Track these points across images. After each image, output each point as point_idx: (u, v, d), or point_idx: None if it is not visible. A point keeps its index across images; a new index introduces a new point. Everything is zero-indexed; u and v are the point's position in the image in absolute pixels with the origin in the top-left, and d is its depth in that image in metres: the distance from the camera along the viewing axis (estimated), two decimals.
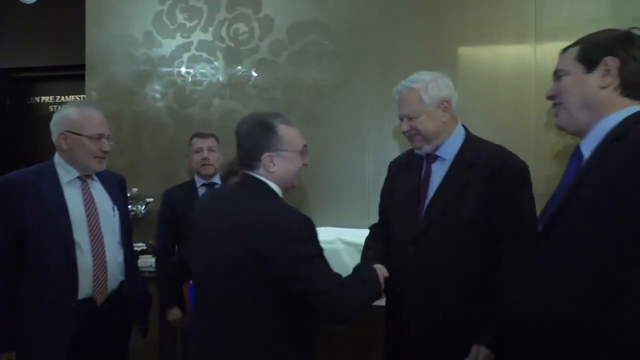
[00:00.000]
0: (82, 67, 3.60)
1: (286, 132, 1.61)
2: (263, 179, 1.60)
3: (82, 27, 3.60)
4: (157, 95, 3.50)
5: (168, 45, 3.47)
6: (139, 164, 3.49)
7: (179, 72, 3.45)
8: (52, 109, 4.39)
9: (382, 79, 3.08)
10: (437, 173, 1.87)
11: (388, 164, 3.09)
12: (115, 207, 2.12)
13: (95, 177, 2.11)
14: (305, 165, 1.68)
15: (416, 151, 1.93)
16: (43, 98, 4.41)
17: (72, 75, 3.92)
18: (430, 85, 1.85)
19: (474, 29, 3.05)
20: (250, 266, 1.46)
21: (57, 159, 2.03)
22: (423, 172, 1.92)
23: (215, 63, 3.39)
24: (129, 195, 3.28)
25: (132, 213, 3.24)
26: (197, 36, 3.42)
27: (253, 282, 1.47)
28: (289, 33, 3.26)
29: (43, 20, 4.13)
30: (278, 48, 3.28)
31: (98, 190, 2.10)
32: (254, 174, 1.60)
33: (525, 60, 2.98)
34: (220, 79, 3.39)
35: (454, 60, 3.08)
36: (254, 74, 3.32)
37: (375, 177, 3.12)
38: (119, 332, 2.11)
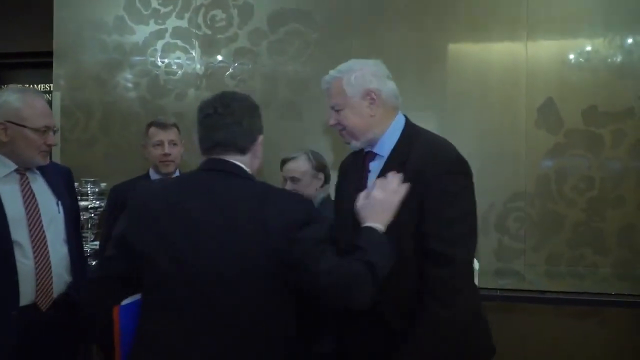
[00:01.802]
0: (52, 54, 3.40)
1: None
2: (239, 163, 1.39)
3: (51, 11, 3.39)
4: (129, 85, 3.31)
5: (141, 32, 3.27)
6: (109, 157, 3.30)
7: (153, 61, 3.26)
8: None
9: None
10: (374, 173, 1.67)
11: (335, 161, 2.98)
12: (60, 203, 1.92)
13: (36, 171, 1.91)
14: None
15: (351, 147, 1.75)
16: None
17: (42, 63, 3.71)
18: (354, 75, 1.64)
19: (464, 24, 2.92)
20: (266, 262, 1.28)
21: (15, 152, 1.82)
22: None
23: (191, 52, 3.21)
24: (97, 190, 3.12)
25: (100, 209, 3.06)
26: (172, 23, 3.23)
27: (271, 281, 1.30)
28: (270, 21, 3.09)
29: (9, 3, 3.91)
30: (258, 37, 3.11)
31: (39, 185, 1.89)
32: (230, 160, 1.38)
33: (516, 56, 2.86)
34: (197, 68, 3.21)
35: (443, 55, 2.95)
36: (230, 62, 3.15)
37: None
38: (66, 341, 1.91)
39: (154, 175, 2.39)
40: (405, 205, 1.51)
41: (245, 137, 1.40)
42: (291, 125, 3.06)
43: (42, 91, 4.03)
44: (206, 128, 1.41)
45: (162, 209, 1.35)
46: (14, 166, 1.81)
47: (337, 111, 1.66)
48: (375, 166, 1.66)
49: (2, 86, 4.21)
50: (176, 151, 2.39)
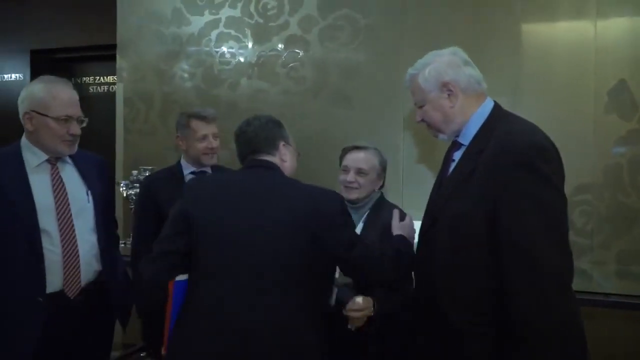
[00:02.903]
0: (115, 47, 3.54)
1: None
2: (277, 164, 1.68)
3: (115, 5, 3.52)
4: (186, 75, 3.37)
5: (197, 23, 3.32)
6: (167, 146, 3.39)
7: (207, 51, 3.31)
8: (92, 89, 4.39)
9: (419, 58, 2.79)
10: (457, 162, 1.63)
11: (423, 150, 2.88)
12: (90, 192, 1.96)
13: (69, 160, 1.96)
14: None
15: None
16: (84, 79, 4.41)
17: (108, 56, 3.86)
18: (428, 69, 1.60)
19: (528, 1, 2.70)
20: (313, 248, 1.52)
21: (24, 140, 1.89)
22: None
23: (244, 41, 3.22)
24: None
25: None
26: (225, 12, 3.25)
27: (314, 267, 1.55)
28: (320, 7, 3.03)
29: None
30: (308, 24, 3.06)
31: (70, 174, 1.94)
32: (268, 159, 1.67)
33: (584, 35, 2.62)
34: (249, 57, 3.21)
35: (505, 35, 2.75)
36: (282, 50, 3.12)
37: (410, 163, 2.88)
38: (98, 328, 1.97)
39: (186, 166, 2.37)
40: (473, 196, 1.46)
41: (266, 144, 1.68)
42: (341, 113, 3.00)
43: (109, 83, 4.21)
44: (239, 144, 1.74)
45: (215, 191, 1.64)
46: (45, 156, 1.87)
47: (420, 107, 1.65)
48: (458, 155, 1.61)
49: (79, 78, 4.46)
50: (218, 143, 2.39)
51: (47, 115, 1.83)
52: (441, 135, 1.66)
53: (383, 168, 2.15)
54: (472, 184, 1.47)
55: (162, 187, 2.28)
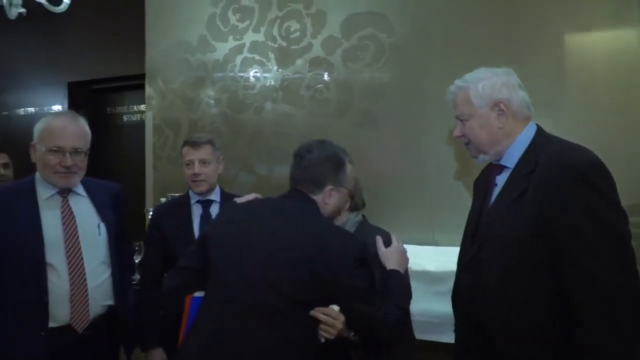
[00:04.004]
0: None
1: (349, 171, 1.68)
2: (314, 198, 1.62)
3: (144, 36, 3.58)
4: (212, 101, 3.37)
5: (221, 49, 3.33)
6: None
7: (232, 76, 3.30)
8: (125, 118, 4.47)
9: (448, 76, 2.65)
10: (500, 186, 1.56)
11: (453, 172, 2.74)
12: (102, 224, 1.94)
13: (81, 191, 1.95)
14: None
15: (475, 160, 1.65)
16: (117, 108, 4.50)
17: (141, 85, 3.92)
18: (482, 84, 1.55)
19: (561, 13, 2.55)
20: (314, 287, 1.47)
21: (38, 173, 1.90)
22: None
23: (268, 65, 3.19)
24: None
25: None
26: (249, 37, 3.24)
27: (312, 304, 1.49)
28: (343, 28, 2.98)
29: (115, 32, 4.20)
30: (332, 45, 3.01)
31: (81, 206, 1.93)
32: (305, 191, 1.63)
33: (628, 44, 2.44)
34: (273, 81, 3.18)
35: (536, 51, 2.59)
36: (306, 73, 3.08)
37: (438, 185, 2.74)
38: (104, 358, 1.93)
39: (192, 195, 2.30)
40: (526, 218, 1.38)
41: (312, 182, 1.61)
42: (367, 135, 2.91)
43: (141, 111, 4.27)
44: (293, 164, 1.68)
45: (239, 219, 1.61)
46: (54, 189, 1.87)
47: (462, 122, 1.58)
48: (501, 179, 1.55)
49: (107, 109, 4.55)
50: (208, 170, 2.24)
51: (42, 147, 1.83)
52: (482, 156, 1.59)
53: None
54: (524, 206, 1.40)
55: (168, 215, 2.25)
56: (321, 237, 1.50)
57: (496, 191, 1.55)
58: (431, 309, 2.12)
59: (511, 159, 1.52)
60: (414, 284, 1.98)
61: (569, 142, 1.48)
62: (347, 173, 1.66)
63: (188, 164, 2.22)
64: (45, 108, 4.56)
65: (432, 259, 2.27)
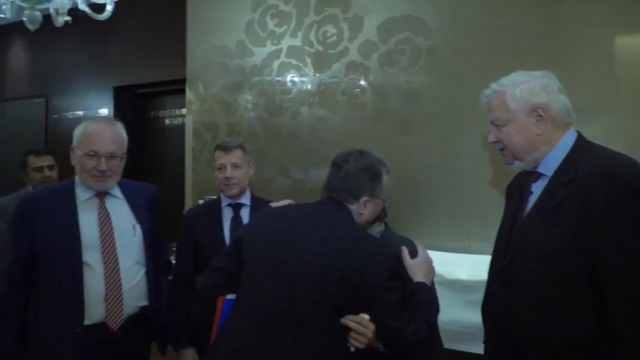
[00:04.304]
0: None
1: (386, 182, 1.68)
2: (350, 207, 1.64)
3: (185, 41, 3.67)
4: (249, 106, 3.41)
5: (259, 54, 3.36)
6: None
7: (269, 80, 3.33)
8: (167, 122, 4.58)
9: (485, 81, 2.59)
10: (537, 194, 1.50)
11: (490, 178, 2.67)
12: (138, 226, 1.99)
13: (118, 193, 2.00)
14: None
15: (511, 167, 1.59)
16: (160, 112, 4.61)
17: (182, 89, 4.01)
18: (519, 88, 1.49)
19: (608, 12, 2.44)
20: (346, 294, 1.47)
21: (77, 176, 1.96)
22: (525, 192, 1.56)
23: (304, 69, 3.20)
24: None
25: None
26: (286, 42, 3.26)
27: (343, 311, 1.48)
28: (380, 31, 2.95)
29: (159, 38, 4.31)
30: (368, 49, 2.99)
31: (117, 208, 1.98)
32: (341, 200, 1.64)
33: None
34: (309, 86, 3.19)
35: (580, 54, 2.47)
36: (342, 77, 3.07)
37: (477, 193, 2.67)
38: (137, 357, 1.98)
39: (224, 198, 2.33)
40: (567, 229, 1.33)
41: (348, 193, 1.62)
42: (403, 140, 2.87)
43: (182, 115, 4.36)
44: (330, 172, 1.69)
45: (274, 224, 1.64)
46: (92, 191, 1.93)
47: (498, 127, 1.53)
48: (538, 187, 1.49)
49: (151, 113, 4.67)
50: (239, 174, 2.28)
51: (79, 150, 1.89)
52: (517, 163, 1.53)
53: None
54: (564, 216, 1.35)
55: (200, 218, 2.29)
56: (357, 246, 1.50)
57: (532, 199, 1.49)
58: (462, 319, 2.07)
59: (549, 167, 1.46)
60: (445, 292, 1.95)
61: (612, 151, 1.42)
62: (383, 184, 1.66)
63: (220, 168, 2.25)
64: (93, 112, 4.73)
65: (466, 268, 2.22)
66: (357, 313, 1.49)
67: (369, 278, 1.45)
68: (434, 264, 1.81)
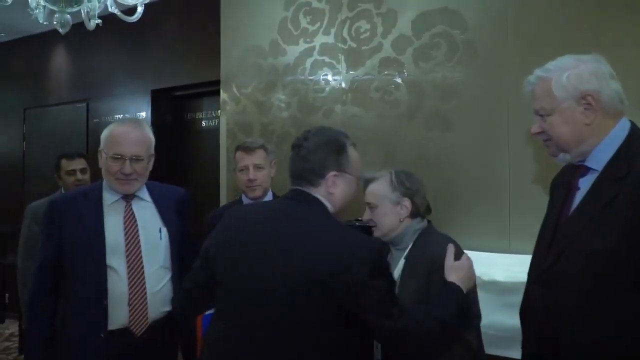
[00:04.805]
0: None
1: (354, 155, 1.53)
2: (321, 198, 1.46)
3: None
4: (282, 105, 3.39)
5: (292, 53, 3.33)
6: None
7: (302, 79, 3.29)
8: (204, 124, 4.61)
9: (526, 73, 2.48)
10: (584, 190, 1.39)
11: (532, 174, 2.55)
12: (164, 229, 1.94)
13: (146, 196, 1.97)
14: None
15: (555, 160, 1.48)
16: (197, 114, 4.65)
17: (217, 91, 4.03)
18: (566, 73, 1.37)
19: None
20: (315, 292, 1.31)
21: (104, 178, 1.94)
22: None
23: (337, 67, 3.15)
24: None
25: None
26: (319, 40, 3.22)
27: (316, 308, 1.33)
28: (414, 26, 2.87)
29: (194, 41, 4.35)
30: (402, 44, 2.91)
31: (144, 211, 1.94)
32: (310, 192, 1.47)
33: None
34: (342, 83, 3.14)
35: (632, 40, 2.35)
36: (375, 74, 3.00)
37: (517, 190, 2.56)
38: None
39: (245, 200, 2.29)
40: (617, 229, 1.24)
41: (311, 172, 1.46)
42: (439, 136, 2.78)
43: (218, 117, 4.38)
44: (290, 158, 1.53)
45: (240, 230, 1.48)
46: (118, 194, 1.91)
47: (542, 117, 1.42)
48: (585, 182, 1.38)
49: (188, 115, 4.71)
50: (262, 175, 2.24)
51: (105, 153, 1.88)
52: (562, 155, 1.42)
53: (402, 193, 1.77)
54: (614, 215, 1.25)
55: (219, 221, 2.23)
56: (327, 245, 1.33)
57: (579, 196, 1.38)
58: (499, 322, 1.97)
59: (598, 161, 1.35)
60: (481, 294, 1.85)
61: None
62: (350, 157, 1.50)
63: (242, 169, 2.22)
64: (132, 115, 4.80)
65: (504, 268, 2.12)
66: (350, 322, 1.35)
67: (346, 280, 1.28)
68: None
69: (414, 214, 1.78)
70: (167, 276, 1.93)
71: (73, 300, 1.83)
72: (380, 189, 1.79)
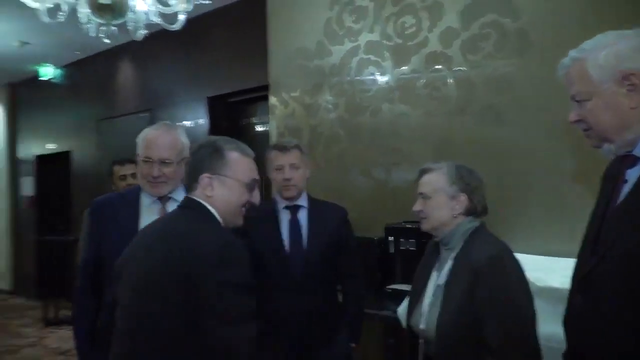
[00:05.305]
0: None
1: (235, 159, 1.47)
2: (202, 201, 1.45)
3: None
4: (330, 106, 3.33)
5: (338, 53, 3.27)
6: (312, 178, 3.34)
7: (349, 80, 3.22)
8: (257, 128, 4.64)
9: None
10: (632, 182, 1.23)
11: (597, 170, 2.32)
12: None
13: (180, 198, 1.98)
14: (252, 203, 1.50)
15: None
16: (251, 119, 4.69)
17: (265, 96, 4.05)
18: (603, 52, 1.20)
19: None
20: (175, 292, 1.30)
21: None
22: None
23: (383, 64, 3.05)
24: None
25: None
26: (364, 38, 3.14)
27: (175, 310, 1.31)
28: (462, 17, 2.72)
29: (246, 48, 4.39)
30: (449, 37, 2.77)
31: None
32: (193, 197, 1.47)
33: None
34: (389, 81, 3.03)
35: None
36: (422, 70, 2.88)
37: (580, 187, 2.35)
38: None
39: (280, 201, 2.23)
40: None
41: (187, 177, 1.49)
42: (491, 132, 2.61)
43: (267, 122, 4.40)
44: None
45: (131, 239, 1.52)
46: (155, 196, 1.92)
47: (580, 103, 1.26)
48: (634, 174, 1.23)
49: (243, 120, 4.76)
50: (298, 175, 2.17)
51: (138, 156, 1.91)
52: (606, 146, 1.26)
53: (460, 188, 1.67)
54: None
55: (256, 223, 2.15)
56: (181, 244, 1.34)
57: (626, 189, 1.22)
58: (552, 333, 1.79)
59: None
60: (538, 303, 1.70)
61: None
62: (229, 161, 1.45)
63: (278, 169, 2.17)
64: (191, 122, 4.93)
65: (561, 274, 1.92)
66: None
67: (194, 275, 1.27)
68: (526, 269, 1.58)
69: (469, 211, 1.67)
70: None
71: (110, 303, 1.87)
72: (438, 180, 1.69)
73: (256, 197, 1.50)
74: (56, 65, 6.64)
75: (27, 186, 7.45)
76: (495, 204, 2.50)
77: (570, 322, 1.32)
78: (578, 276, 1.30)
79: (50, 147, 7.01)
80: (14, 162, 7.72)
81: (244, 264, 1.36)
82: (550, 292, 1.90)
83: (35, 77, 6.81)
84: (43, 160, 7.23)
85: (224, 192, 1.45)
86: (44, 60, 6.40)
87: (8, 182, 7.78)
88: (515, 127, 2.55)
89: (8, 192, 7.78)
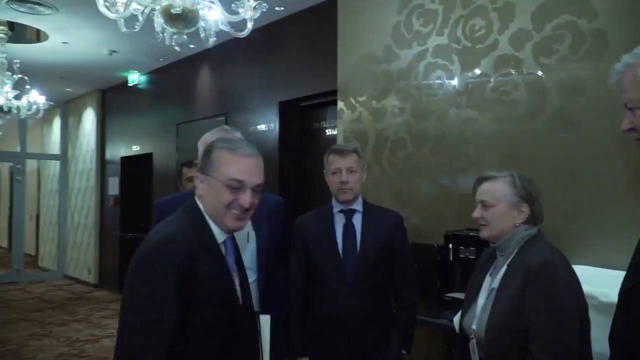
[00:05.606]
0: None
1: (219, 158, 1.41)
2: (198, 202, 1.45)
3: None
4: (396, 111, 3.31)
5: (405, 57, 3.25)
6: (380, 183, 3.35)
7: (416, 84, 3.19)
8: (328, 132, 4.69)
9: None
10: None
11: None
12: (252, 233, 1.98)
13: None
14: (241, 205, 1.40)
15: None
16: (322, 123, 4.74)
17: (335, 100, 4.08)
18: None
19: None
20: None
21: None
22: None
23: (451, 68, 3.00)
24: None
25: None
26: (432, 42, 3.10)
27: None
28: (535, 18, 2.62)
29: (316, 53, 4.46)
30: (521, 39, 2.67)
31: None
32: (195, 197, 1.47)
33: None
34: (456, 85, 2.97)
35: None
36: (491, 74, 2.80)
37: None
38: None
39: (335, 204, 2.21)
40: None
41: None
42: (562, 139, 2.49)
43: (335, 126, 4.43)
44: None
45: None
46: None
47: (632, 110, 1.21)
48: None
49: (314, 124, 4.83)
50: (355, 178, 2.16)
51: None
52: None
53: (523, 197, 1.65)
54: None
55: (311, 225, 2.22)
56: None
57: None
58: None
59: None
60: (597, 317, 1.62)
61: None
62: (214, 159, 1.41)
63: (335, 172, 2.18)
64: (264, 125, 5.07)
65: None
66: None
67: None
68: (591, 282, 1.51)
69: (528, 221, 1.66)
70: (253, 277, 1.97)
71: None
72: (501, 189, 1.68)
73: (244, 199, 1.40)
74: (141, 72, 7.07)
75: (114, 186, 7.98)
76: (563, 213, 2.41)
77: (612, 338, 1.24)
78: (622, 292, 1.22)
79: (135, 149, 7.48)
80: (103, 163, 8.30)
81: (163, 273, 1.29)
82: (612, 308, 1.79)
83: (122, 83, 7.28)
84: (127, 161, 7.72)
85: (209, 192, 1.42)
86: (131, 67, 6.85)
87: (97, 181, 8.36)
88: (588, 133, 2.42)
89: (97, 191, 8.36)
